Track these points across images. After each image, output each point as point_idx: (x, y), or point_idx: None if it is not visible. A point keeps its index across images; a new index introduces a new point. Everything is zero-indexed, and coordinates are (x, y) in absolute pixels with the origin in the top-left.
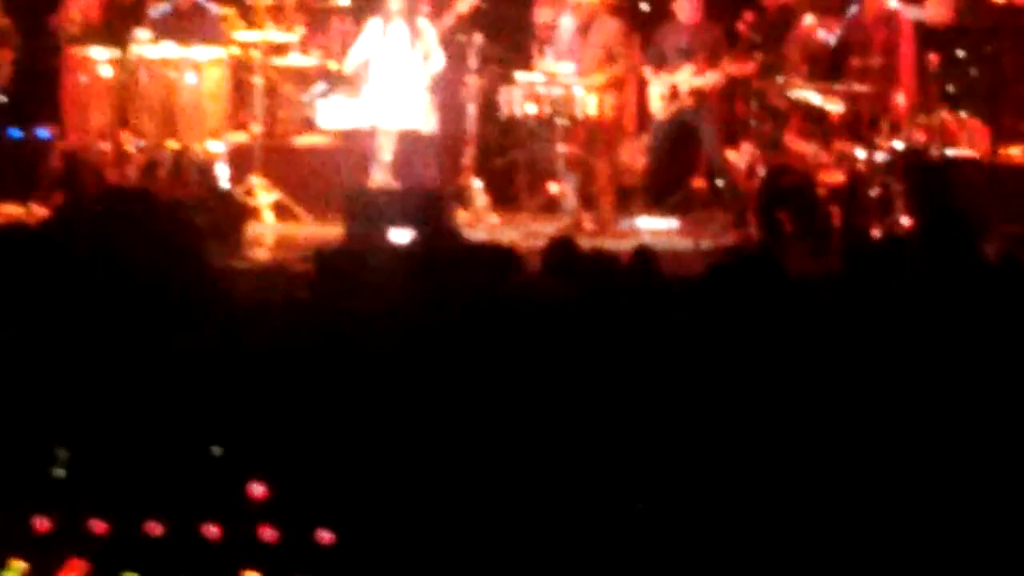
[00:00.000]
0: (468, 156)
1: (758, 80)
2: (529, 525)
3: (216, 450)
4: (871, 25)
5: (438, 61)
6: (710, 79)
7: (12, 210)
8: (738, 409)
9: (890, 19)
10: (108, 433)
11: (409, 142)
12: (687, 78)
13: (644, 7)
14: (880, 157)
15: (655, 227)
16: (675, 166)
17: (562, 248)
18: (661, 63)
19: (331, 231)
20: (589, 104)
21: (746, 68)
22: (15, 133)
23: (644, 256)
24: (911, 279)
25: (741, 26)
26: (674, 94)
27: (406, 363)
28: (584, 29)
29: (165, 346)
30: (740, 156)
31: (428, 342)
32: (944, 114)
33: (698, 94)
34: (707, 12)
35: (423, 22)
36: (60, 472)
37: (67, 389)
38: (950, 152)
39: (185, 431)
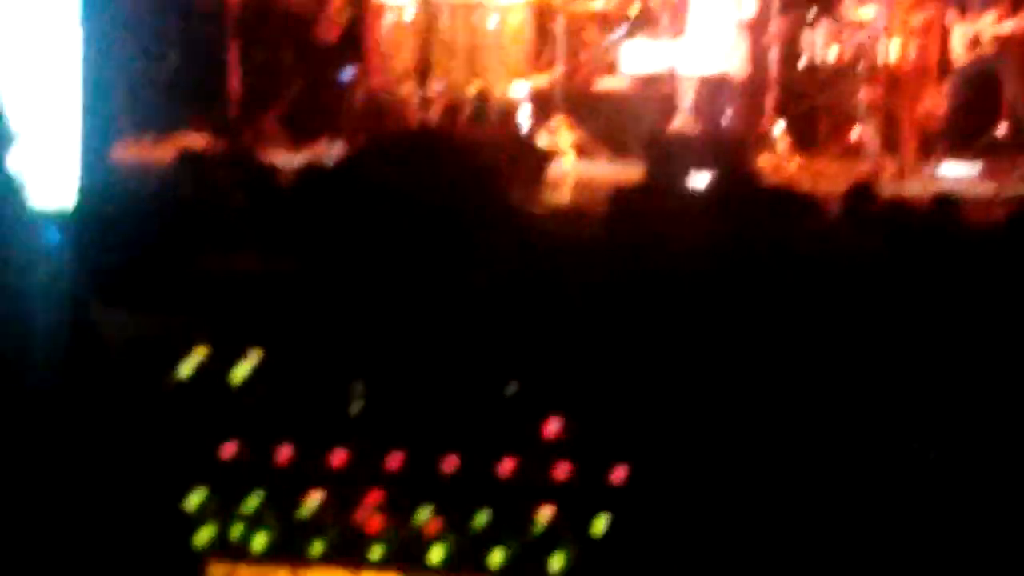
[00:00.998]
0: (770, 100)
1: None
2: (833, 477)
3: (512, 387)
4: None
5: (735, 9)
6: (1011, 26)
7: (315, 151)
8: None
9: None
10: (404, 369)
11: (711, 86)
12: (989, 24)
13: None
14: None
15: (958, 172)
16: (979, 112)
17: (861, 194)
18: (964, 8)
19: (632, 174)
20: (891, 49)
21: None
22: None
23: (945, 204)
24: None
25: None
26: (976, 41)
27: (700, 304)
28: None
29: (464, 284)
30: None
31: (721, 285)
32: None
33: (1000, 41)
34: None
35: None
36: (357, 406)
37: (366, 325)
38: None
39: (482, 368)
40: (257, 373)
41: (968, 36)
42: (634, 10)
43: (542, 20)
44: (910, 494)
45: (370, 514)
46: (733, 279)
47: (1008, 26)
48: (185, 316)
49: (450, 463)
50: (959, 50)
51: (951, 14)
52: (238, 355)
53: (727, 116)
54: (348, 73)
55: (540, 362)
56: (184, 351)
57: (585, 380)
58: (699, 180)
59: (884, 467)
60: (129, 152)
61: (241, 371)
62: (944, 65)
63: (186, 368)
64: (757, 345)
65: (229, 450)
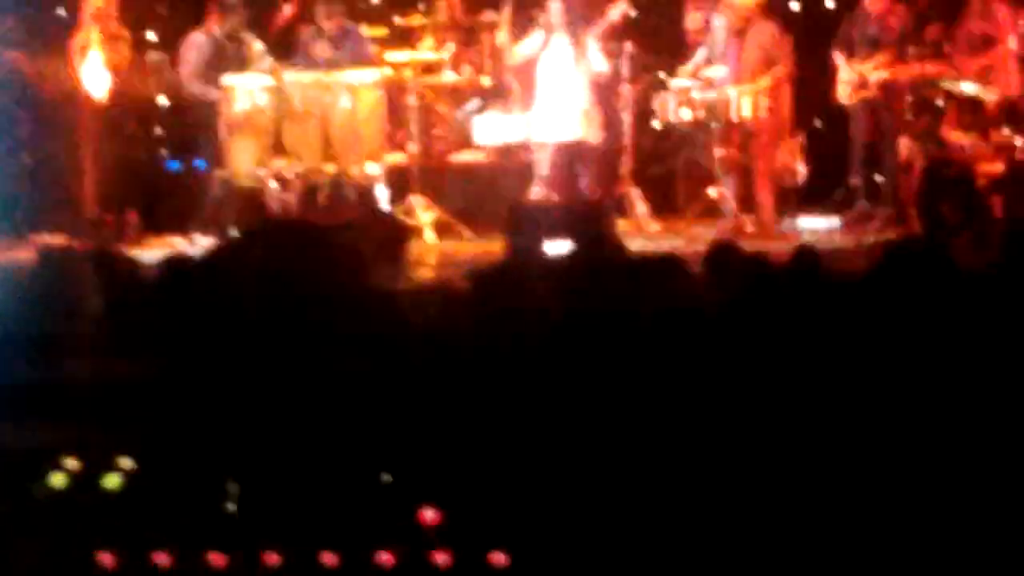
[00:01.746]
0: (626, 165)
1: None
2: (704, 533)
3: (386, 477)
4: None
5: (599, 64)
6: (900, 73)
7: (175, 241)
8: (911, 402)
9: None
10: (277, 464)
11: (566, 154)
12: (874, 69)
13: (795, 7)
14: None
15: (816, 226)
16: (833, 163)
17: (724, 251)
18: (850, 50)
19: (493, 246)
20: (744, 107)
21: (937, 68)
22: (174, 165)
23: (806, 255)
24: None
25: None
26: (862, 83)
27: (572, 377)
28: (738, 33)
29: (332, 372)
30: (898, 150)
31: (593, 354)
32: None
33: (886, 86)
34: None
35: (582, 32)
36: (232, 506)
37: (235, 421)
38: None
39: (354, 458)
40: (130, 480)
41: (854, 78)
42: (486, 81)
43: (394, 97)
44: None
45: None
46: (604, 346)
47: (895, 72)
48: (55, 426)
49: (329, 558)
50: (844, 91)
51: (837, 55)
52: (110, 464)
53: (584, 183)
54: (203, 161)
55: (413, 450)
56: (55, 461)
57: (459, 466)
58: (559, 248)
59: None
60: None
61: (113, 479)
62: (798, 119)
63: (57, 479)
64: (632, 411)
65: (106, 559)
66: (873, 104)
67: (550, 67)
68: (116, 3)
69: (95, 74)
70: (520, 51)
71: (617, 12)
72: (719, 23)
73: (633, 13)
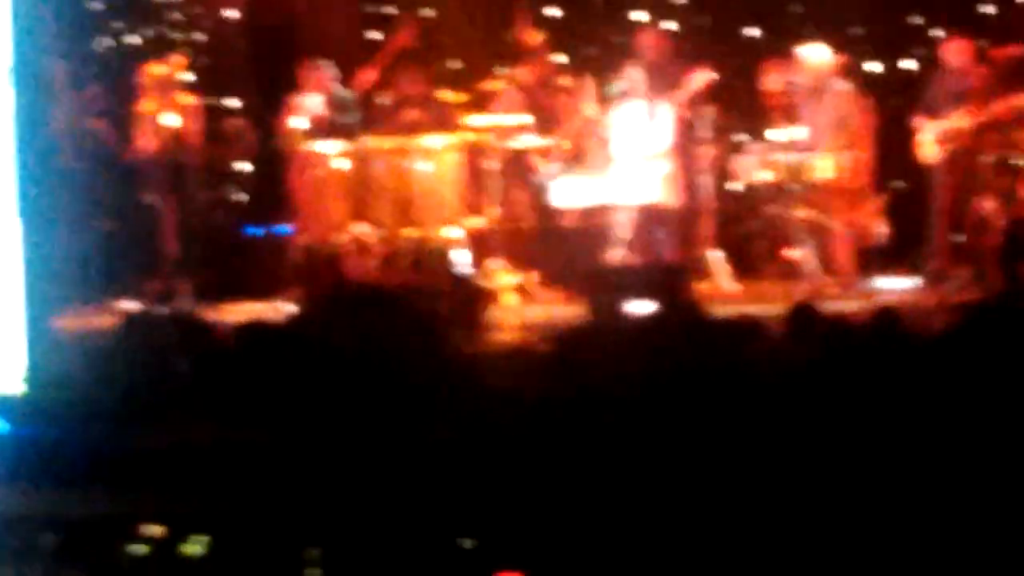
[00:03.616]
0: (705, 227)
1: (995, 132)
2: None
3: (466, 542)
4: None
5: (667, 138)
6: (988, 116)
7: (256, 308)
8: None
9: None
10: (360, 530)
11: (646, 217)
12: (962, 119)
13: (875, 68)
14: None
15: (897, 287)
16: (914, 223)
17: (804, 314)
18: (934, 111)
19: (573, 311)
20: (824, 168)
21: (1021, 102)
22: (256, 231)
23: (887, 317)
24: None
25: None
26: (948, 136)
27: (654, 439)
28: (816, 92)
29: (413, 437)
30: (979, 209)
31: (676, 416)
32: None
33: (973, 136)
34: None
35: (659, 100)
36: (314, 572)
37: (317, 486)
38: None
39: (436, 523)
40: (212, 549)
41: (940, 135)
42: (566, 145)
43: (474, 161)
44: None
45: None
46: (684, 409)
47: (981, 118)
48: (141, 493)
49: None
50: (931, 150)
51: (920, 117)
52: (192, 531)
53: (664, 246)
54: (285, 227)
55: (497, 515)
56: (138, 529)
57: (545, 532)
58: (641, 310)
59: None
60: (72, 323)
61: (195, 546)
62: (878, 178)
63: (139, 546)
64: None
65: None
66: (956, 160)
67: (629, 131)
68: (180, 70)
69: (153, 140)
70: (611, 121)
71: (701, 80)
72: (797, 84)
73: (714, 77)
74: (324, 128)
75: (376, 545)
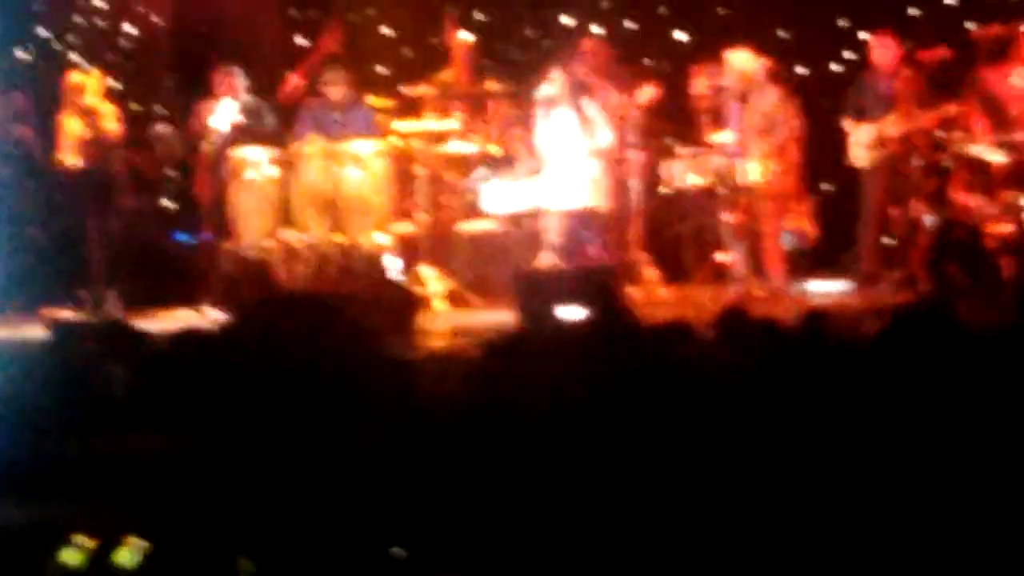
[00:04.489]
0: (634, 232)
1: (924, 136)
2: None
3: (398, 551)
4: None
5: (605, 137)
6: (915, 123)
7: (185, 315)
8: (921, 467)
9: None
10: (293, 538)
11: (575, 221)
12: (890, 125)
13: (802, 71)
14: None
15: (826, 290)
16: (843, 226)
17: (733, 318)
18: (861, 113)
19: (503, 316)
20: (752, 172)
21: (952, 109)
22: (184, 238)
23: (816, 321)
24: None
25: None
26: (879, 142)
27: (585, 445)
28: (743, 98)
29: (344, 444)
30: (908, 212)
31: (606, 420)
32: None
33: (902, 141)
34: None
35: (587, 103)
36: None
37: (247, 495)
38: None
39: (368, 531)
40: (144, 557)
41: (870, 139)
42: (495, 150)
43: (402, 166)
44: None
45: None
46: (615, 412)
47: (912, 123)
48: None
49: None
50: (860, 154)
51: (847, 120)
52: (123, 541)
53: (593, 250)
54: (213, 233)
55: (431, 522)
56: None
57: (479, 539)
58: (569, 316)
59: None
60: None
61: (127, 556)
62: (806, 182)
63: (70, 556)
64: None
65: None
66: (886, 165)
67: (556, 136)
68: (104, 78)
69: (72, 148)
70: (539, 126)
71: (645, 96)
72: (725, 88)
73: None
74: (238, 134)
75: (310, 553)
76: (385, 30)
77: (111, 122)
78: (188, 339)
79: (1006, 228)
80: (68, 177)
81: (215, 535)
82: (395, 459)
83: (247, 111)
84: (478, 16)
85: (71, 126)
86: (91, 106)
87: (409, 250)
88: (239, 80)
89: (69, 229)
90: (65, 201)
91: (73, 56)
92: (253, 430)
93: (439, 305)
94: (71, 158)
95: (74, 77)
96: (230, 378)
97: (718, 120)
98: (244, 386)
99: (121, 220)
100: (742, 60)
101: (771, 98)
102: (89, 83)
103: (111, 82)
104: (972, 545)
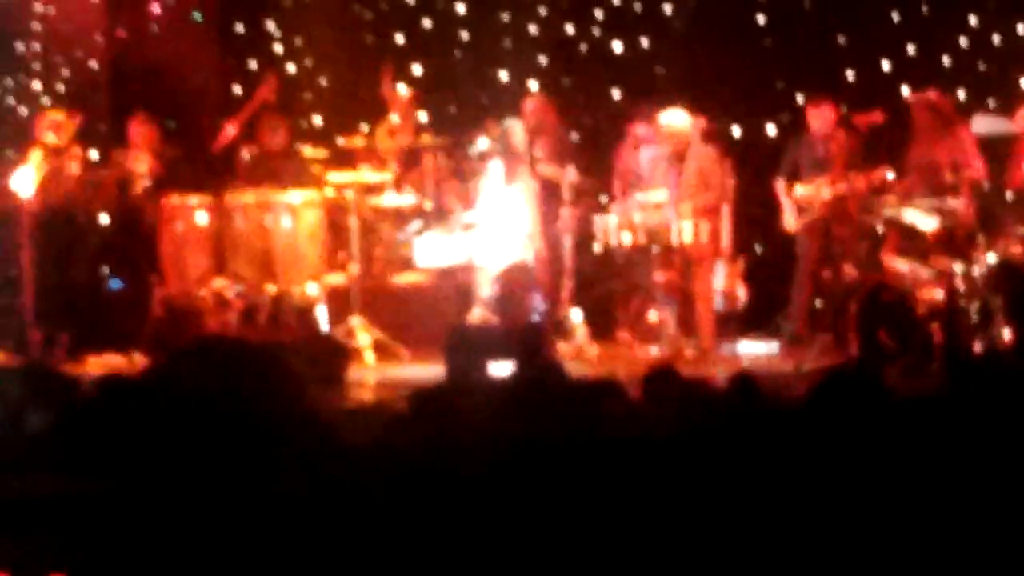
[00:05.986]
0: (566, 288)
1: (855, 200)
2: None
3: None
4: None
5: (529, 199)
6: (849, 186)
7: (114, 360)
8: (844, 529)
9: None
10: None
11: (507, 276)
12: (824, 188)
13: (737, 132)
14: (978, 272)
15: (756, 351)
16: (774, 288)
17: (661, 377)
18: (795, 175)
19: (432, 369)
20: (684, 231)
21: (884, 173)
22: (116, 283)
23: (744, 382)
24: (1015, 394)
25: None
26: (810, 205)
27: (509, 499)
28: (677, 158)
29: (268, 493)
30: (839, 276)
31: (529, 477)
32: None
33: (834, 204)
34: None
35: (519, 156)
36: None
37: (169, 541)
38: None
39: None
40: None
41: (802, 201)
42: (428, 204)
43: (335, 218)
44: None
45: None
46: (540, 469)
47: (843, 187)
48: None
49: None
50: (790, 217)
51: (780, 182)
52: None
53: (525, 306)
54: (146, 281)
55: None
56: None
57: None
58: (499, 371)
59: None
60: None
61: None
62: (738, 243)
63: None
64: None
65: None
66: (818, 228)
67: (490, 191)
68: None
69: (12, 190)
70: (473, 181)
71: (571, 176)
72: (648, 151)
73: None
74: (162, 183)
75: None
76: (322, 81)
77: (75, 164)
78: (113, 383)
79: (937, 294)
80: (1, 216)
81: None
82: (316, 509)
83: (165, 161)
84: (415, 69)
85: (9, 167)
86: (60, 145)
87: (340, 301)
88: (154, 129)
89: (7, 268)
90: (15, 239)
91: (11, 98)
92: (174, 475)
93: (369, 357)
94: (6, 199)
95: (52, 115)
96: (154, 423)
97: (652, 179)
98: (168, 431)
99: (54, 263)
100: (676, 120)
101: (704, 157)
102: (64, 123)
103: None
104: None
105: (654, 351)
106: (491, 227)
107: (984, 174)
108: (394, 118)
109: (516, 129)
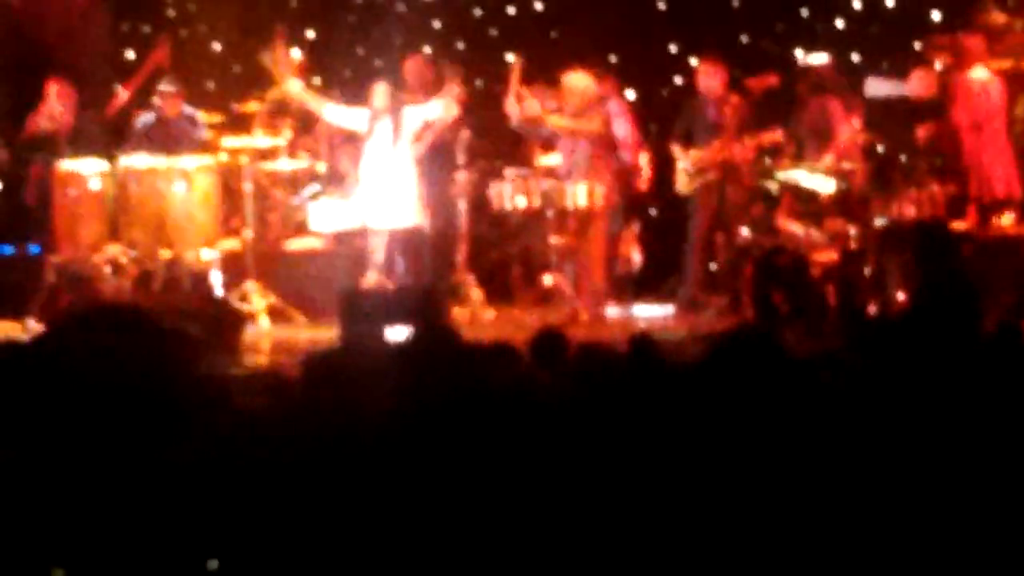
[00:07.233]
0: (461, 252)
1: (748, 163)
2: None
3: (213, 564)
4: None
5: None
6: (740, 150)
7: (6, 327)
8: (738, 490)
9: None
10: (107, 551)
11: (401, 240)
12: (716, 151)
13: (630, 95)
14: (873, 232)
15: (651, 314)
16: (668, 251)
17: (550, 340)
18: (688, 140)
19: (327, 333)
20: (579, 194)
21: (775, 136)
22: (6, 249)
23: (641, 343)
24: (909, 354)
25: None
26: (704, 167)
27: (401, 463)
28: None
29: (163, 458)
30: (733, 239)
31: (422, 441)
32: (934, 187)
33: (726, 167)
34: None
35: (409, 114)
36: None
37: (62, 507)
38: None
39: (183, 544)
40: None
41: (693, 165)
42: (322, 168)
43: (229, 183)
44: None
45: None
46: (432, 433)
47: (735, 151)
48: None
49: None
50: (683, 180)
51: (675, 146)
52: None
53: (419, 270)
54: (37, 246)
55: (245, 537)
56: None
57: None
58: (394, 335)
59: None
60: None
61: None
62: (633, 206)
63: None
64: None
65: None
66: (711, 191)
67: (379, 153)
68: None
69: None
70: (335, 116)
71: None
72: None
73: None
74: (64, 147)
75: (124, 566)
76: (215, 46)
77: None
78: (3, 350)
79: (831, 256)
80: None
81: (28, 546)
82: (210, 474)
83: (74, 124)
84: (308, 33)
85: None
86: None
87: (235, 267)
88: (71, 91)
89: None
90: None
91: None
92: (67, 443)
93: (263, 321)
94: None
95: None
96: (45, 390)
97: (547, 142)
98: (59, 398)
99: None
100: (579, 81)
101: (582, 86)
102: None
103: None
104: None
105: (550, 315)
106: (383, 191)
107: (851, 142)
108: (290, 83)
109: (380, 91)
